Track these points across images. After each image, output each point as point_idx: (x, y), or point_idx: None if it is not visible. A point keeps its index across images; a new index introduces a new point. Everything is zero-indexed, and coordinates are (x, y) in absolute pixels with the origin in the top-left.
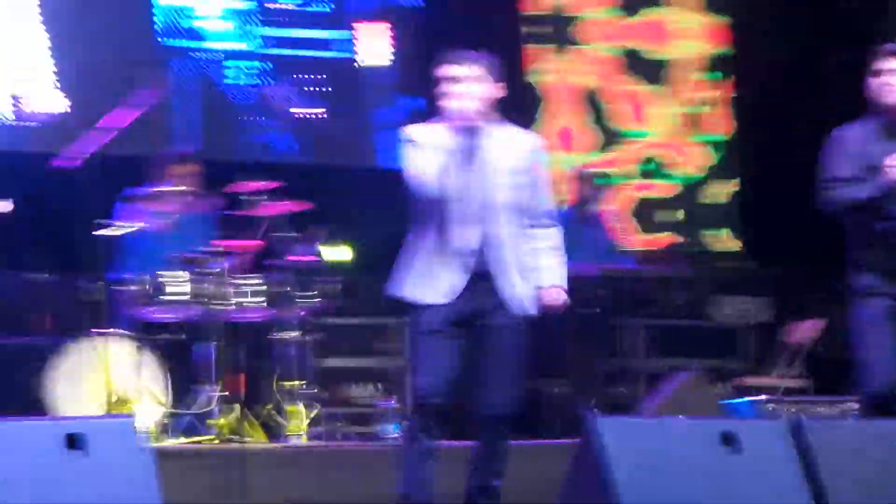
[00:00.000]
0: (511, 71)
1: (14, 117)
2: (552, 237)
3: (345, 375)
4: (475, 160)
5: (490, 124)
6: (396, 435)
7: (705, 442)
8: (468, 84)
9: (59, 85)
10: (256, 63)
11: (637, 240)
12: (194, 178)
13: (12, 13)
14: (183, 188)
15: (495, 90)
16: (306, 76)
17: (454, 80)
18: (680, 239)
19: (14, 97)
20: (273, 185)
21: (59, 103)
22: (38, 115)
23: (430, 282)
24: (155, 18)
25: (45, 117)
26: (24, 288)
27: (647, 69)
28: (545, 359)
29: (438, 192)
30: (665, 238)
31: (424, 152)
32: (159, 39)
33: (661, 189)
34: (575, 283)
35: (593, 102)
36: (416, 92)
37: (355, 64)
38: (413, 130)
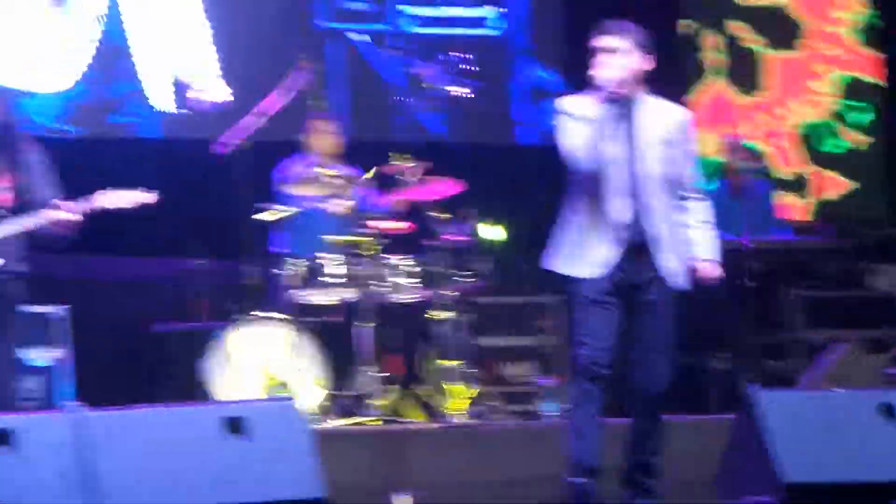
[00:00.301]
0: (663, 42)
1: (177, 107)
2: (703, 210)
3: (501, 354)
4: (626, 132)
5: (640, 96)
6: (556, 413)
7: (865, 413)
8: (620, 55)
9: (221, 74)
10: (405, 43)
11: (795, 208)
12: (339, 144)
13: (175, 3)
14: (335, 173)
15: (646, 62)
16: (455, 54)
17: (606, 50)
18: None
19: (178, 86)
20: (425, 164)
21: (222, 92)
22: (202, 105)
23: (585, 255)
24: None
25: (208, 106)
26: (184, 274)
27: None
28: (703, 333)
29: (591, 164)
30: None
31: (577, 124)
32: (315, 22)
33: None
34: (728, 256)
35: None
36: (557, 64)
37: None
38: (566, 102)
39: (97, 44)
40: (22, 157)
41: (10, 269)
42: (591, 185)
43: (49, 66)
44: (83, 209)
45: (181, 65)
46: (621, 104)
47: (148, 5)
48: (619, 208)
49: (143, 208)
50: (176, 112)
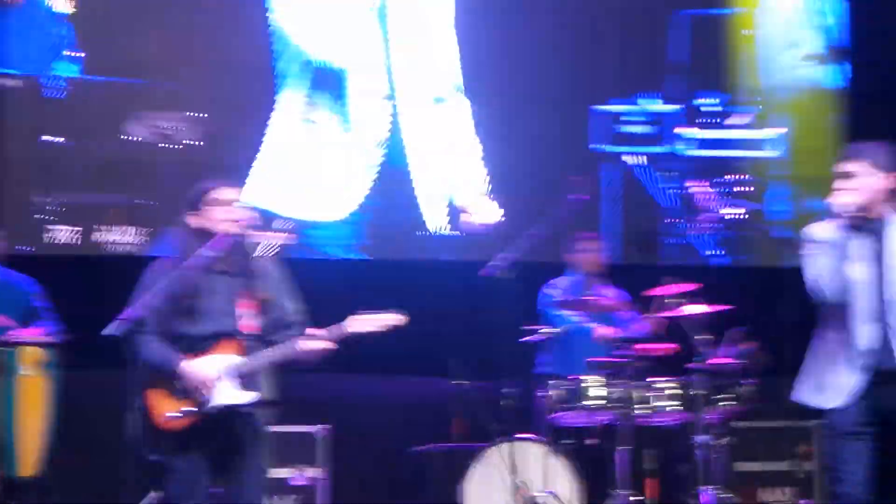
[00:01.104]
0: None
1: (451, 228)
2: None
3: (757, 479)
4: (875, 254)
5: (890, 216)
6: None
7: None
8: (856, 179)
9: (492, 195)
10: (680, 165)
11: None
12: (602, 262)
13: (451, 123)
14: (604, 297)
15: (889, 181)
16: (730, 177)
17: (842, 175)
18: None
19: (453, 209)
20: (692, 286)
21: (494, 213)
22: (473, 227)
23: (831, 383)
24: (590, 124)
25: (480, 228)
26: (444, 395)
27: None
28: None
29: (836, 290)
30: None
31: (821, 250)
32: (591, 145)
33: None
34: None
35: None
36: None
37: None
38: (812, 228)
39: (377, 169)
40: (264, 281)
41: (261, 400)
42: (837, 313)
43: (330, 194)
44: (336, 336)
45: (454, 187)
46: (868, 226)
47: (426, 127)
48: (865, 334)
49: (404, 329)
50: (450, 234)
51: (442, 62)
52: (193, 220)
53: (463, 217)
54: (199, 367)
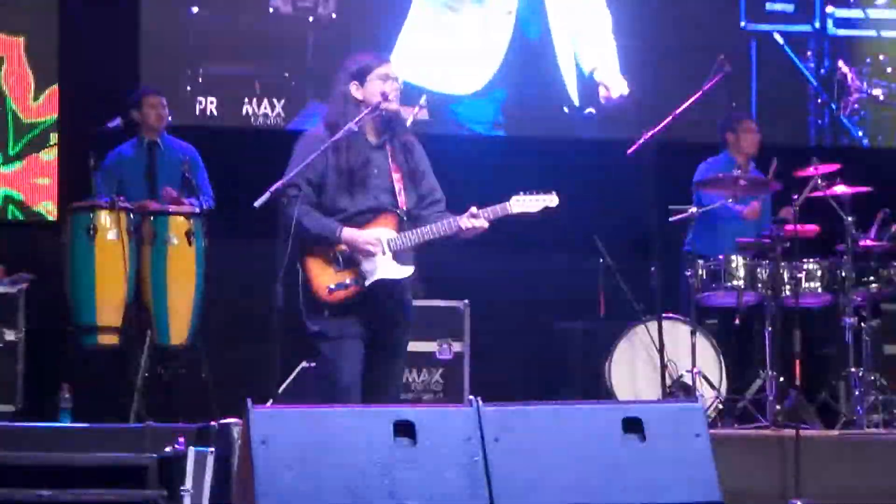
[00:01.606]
0: None
1: (580, 104)
2: None
3: None
4: None
5: None
6: None
7: None
8: None
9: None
10: (830, 45)
11: None
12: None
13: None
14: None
15: None
16: (883, 56)
17: None
18: None
19: (583, 81)
20: (835, 167)
21: (623, 86)
22: (610, 101)
23: None
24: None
25: (609, 103)
26: (589, 272)
27: None
28: None
29: None
30: None
31: None
32: (741, 22)
33: None
34: None
35: None
36: None
37: None
38: None
39: (508, 40)
40: (413, 156)
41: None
42: None
43: (464, 66)
44: (495, 216)
45: (587, 59)
46: None
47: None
48: None
49: (555, 207)
50: (584, 112)
51: None
52: (356, 92)
53: (602, 92)
54: (364, 238)
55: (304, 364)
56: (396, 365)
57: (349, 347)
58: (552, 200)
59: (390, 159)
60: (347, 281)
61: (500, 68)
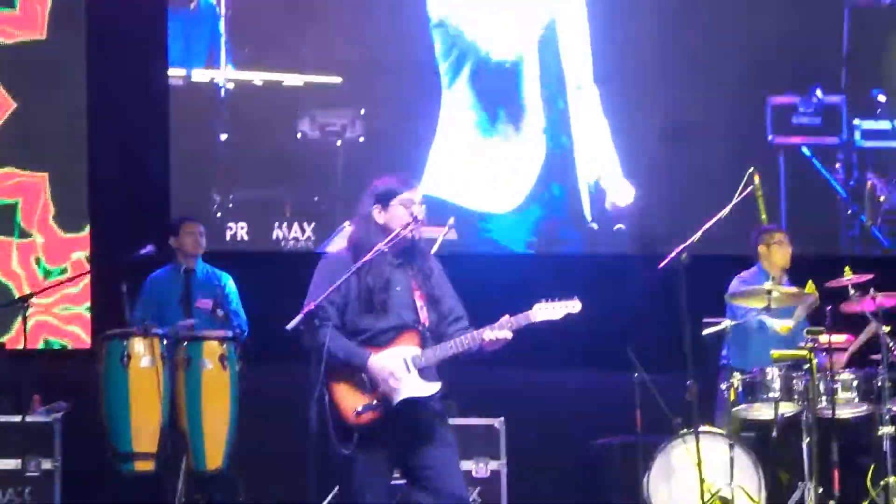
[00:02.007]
0: None
1: (591, 218)
2: None
3: None
4: None
5: None
6: None
7: None
8: None
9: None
10: (858, 157)
11: None
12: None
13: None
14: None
15: None
16: None
17: None
18: None
19: (593, 193)
20: (870, 277)
21: (629, 193)
22: (613, 209)
23: None
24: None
25: (616, 210)
26: (626, 387)
27: None
28: None
29: None
30: None
31: None
32: (769, 137)
33: None
34: None
35: None
36: None
37: None
38: None
39: (542, 160)
40: (433, 275)
41: (441, 392)
42: None
43: (499, 185)
44: (518, 325)
45: (594, 170)
46: None
47: (586, 114)
48: None
49: (586, 323)
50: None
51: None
52: (378, 216)
53: (609, 198)
54: (388, 361)
55: (336, 489)
56: (453, 480)
57: (375, 469)
58: (575, 307)
59: (412, 279)
60: (374, 402)
61: (534, 186)
